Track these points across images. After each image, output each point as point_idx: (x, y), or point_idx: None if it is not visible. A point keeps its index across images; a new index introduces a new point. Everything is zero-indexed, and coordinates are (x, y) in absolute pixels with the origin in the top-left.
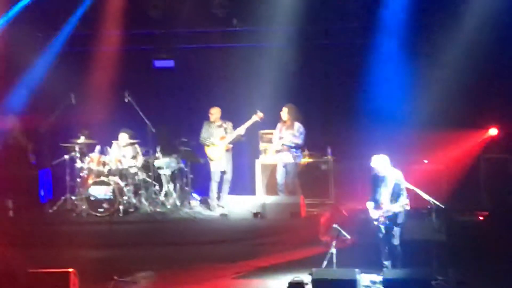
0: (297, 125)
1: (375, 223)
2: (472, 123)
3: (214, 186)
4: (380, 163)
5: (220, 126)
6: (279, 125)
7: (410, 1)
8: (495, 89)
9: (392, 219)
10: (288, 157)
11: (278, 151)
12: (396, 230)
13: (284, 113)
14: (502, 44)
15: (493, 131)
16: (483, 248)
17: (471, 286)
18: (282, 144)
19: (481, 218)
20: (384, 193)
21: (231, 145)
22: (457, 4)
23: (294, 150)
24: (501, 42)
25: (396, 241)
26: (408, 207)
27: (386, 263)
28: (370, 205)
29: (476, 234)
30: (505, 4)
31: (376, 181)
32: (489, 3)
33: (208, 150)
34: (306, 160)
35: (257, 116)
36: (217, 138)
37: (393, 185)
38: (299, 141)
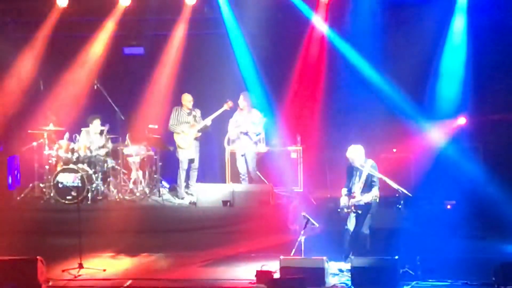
0: (256, 112)
1: (345, 210)
2: (441, 112)
3: (182, 174)
4: (356, 153)
5: (190, 113)
6: (236, 114)
7: None
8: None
9: (363, 208)
10: (247, 146)
11: (234, 140)
12: (367, 219)
13: (241, 100)
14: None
15: (461, 120)
16: (450, 237)
17: (438, 274)
18: (240, 132)
19: (448, 206)
20: (357, 183)
21: (200, 133)
22: None
23: (253, 138)
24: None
25: (366, 230)
26: (378, 199)
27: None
28: (343, 192)
29: (443, 222)
30: None
31: (350, 170)
32: None
33: (177, 138)
34: (266, 148)
35: (227, 105)
36: (187, 126)
37: (366, 176)
38: (259, 129)
